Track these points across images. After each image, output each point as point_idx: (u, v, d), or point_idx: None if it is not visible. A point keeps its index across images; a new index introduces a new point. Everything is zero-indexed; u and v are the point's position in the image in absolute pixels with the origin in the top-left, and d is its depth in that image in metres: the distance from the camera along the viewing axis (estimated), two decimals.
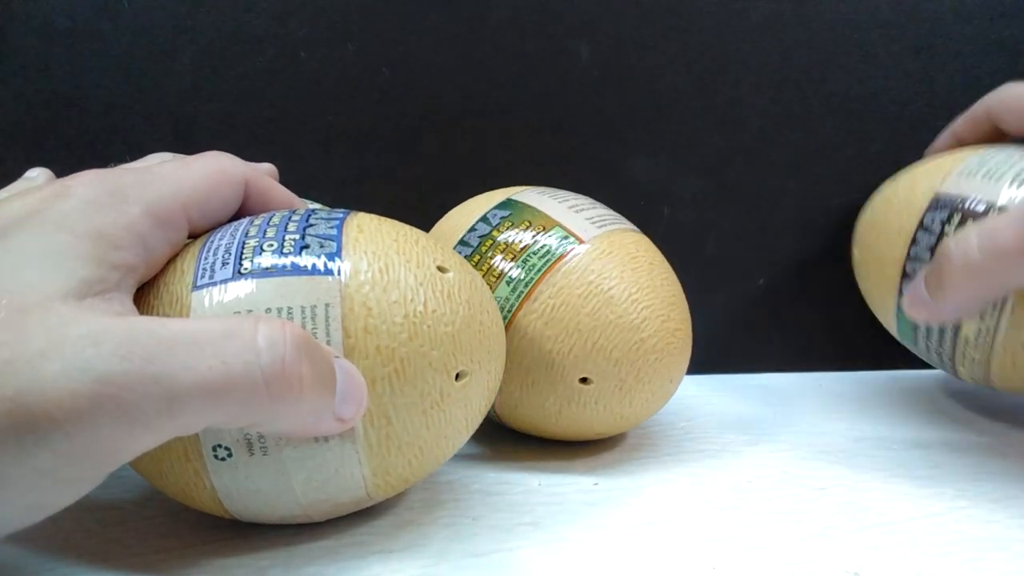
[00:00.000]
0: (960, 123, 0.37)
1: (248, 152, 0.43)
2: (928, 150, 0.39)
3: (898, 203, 0.34)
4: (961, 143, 0.37)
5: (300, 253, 0.22)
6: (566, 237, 0.30)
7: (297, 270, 0.22)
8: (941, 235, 0.31)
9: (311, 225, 0.23)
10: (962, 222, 0.30)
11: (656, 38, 0.43)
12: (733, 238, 0.42)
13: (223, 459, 0.21)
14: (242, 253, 0.22)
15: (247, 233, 0.23)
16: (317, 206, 0.29)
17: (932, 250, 0.31)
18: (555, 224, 0.30)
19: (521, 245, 0.30)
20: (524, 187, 0.34)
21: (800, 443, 0.32)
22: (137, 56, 0.42)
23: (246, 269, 0.22)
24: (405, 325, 0.22)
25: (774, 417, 0.35)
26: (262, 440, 0.21)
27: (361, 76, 0.43)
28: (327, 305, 0.21)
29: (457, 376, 0.23)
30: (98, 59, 0.41)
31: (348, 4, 0.42)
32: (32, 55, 0.41)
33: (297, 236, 0.23)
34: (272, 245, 0.22)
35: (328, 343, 0.21)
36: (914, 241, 0.32)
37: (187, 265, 0.22)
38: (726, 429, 0.33)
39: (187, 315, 0.21)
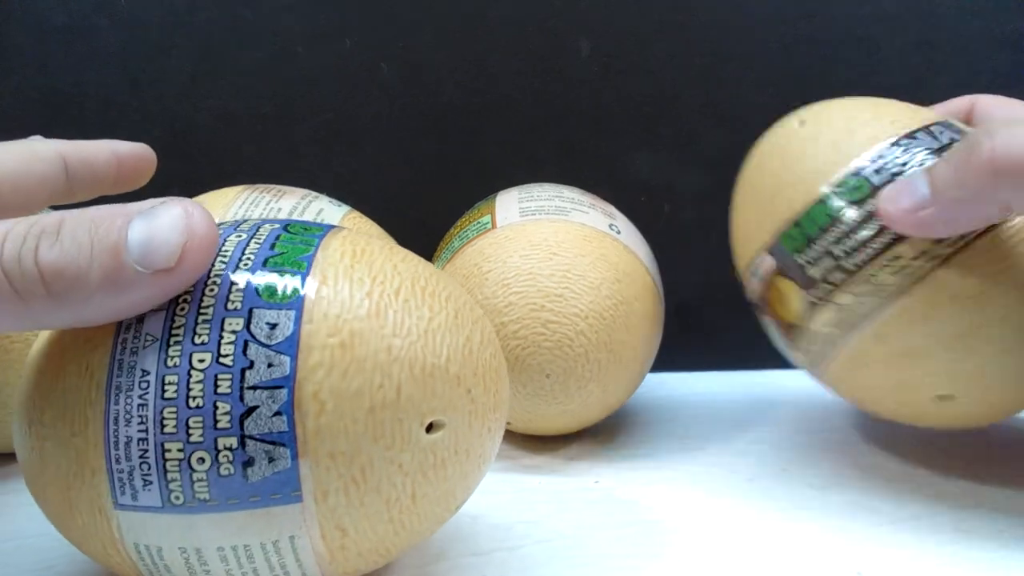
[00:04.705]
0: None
1: (245, 148, 0.43)
2: None
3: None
4: None
5: (244, 471, 0.16)
6: (485, 224, 0.31)
7: (245, 503, 0.16)
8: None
9: (247, 388, 0.16)
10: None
11: (657, 33, 0.43)
12: None
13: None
14: (165, 465, 0.16)
15: (161, 415, 0.16)
16: (296, 236, 0.19)
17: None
18: (488, 213, 0.31)
19: (459, 231, 0.32)
20: (524, 185, 0.34)
21: (801, 441, 0.32)
22: (134, 53, 0.42)
23: (177, 500, 0.16)
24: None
25: (776, 415, 0.35)
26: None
27: (359, 72, 0.43)
28: (292, 537, 0.17)
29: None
30: (95, 56, 0.41)
31: None
32: (29, 52, 0.41)
33: (235, 437, 0.16)
34: (204, 462, 0.16)
35: None
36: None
37: (96, 463, 0.16)
38: (727, 427, 0.33)
39: (118, 537, 0.17)
